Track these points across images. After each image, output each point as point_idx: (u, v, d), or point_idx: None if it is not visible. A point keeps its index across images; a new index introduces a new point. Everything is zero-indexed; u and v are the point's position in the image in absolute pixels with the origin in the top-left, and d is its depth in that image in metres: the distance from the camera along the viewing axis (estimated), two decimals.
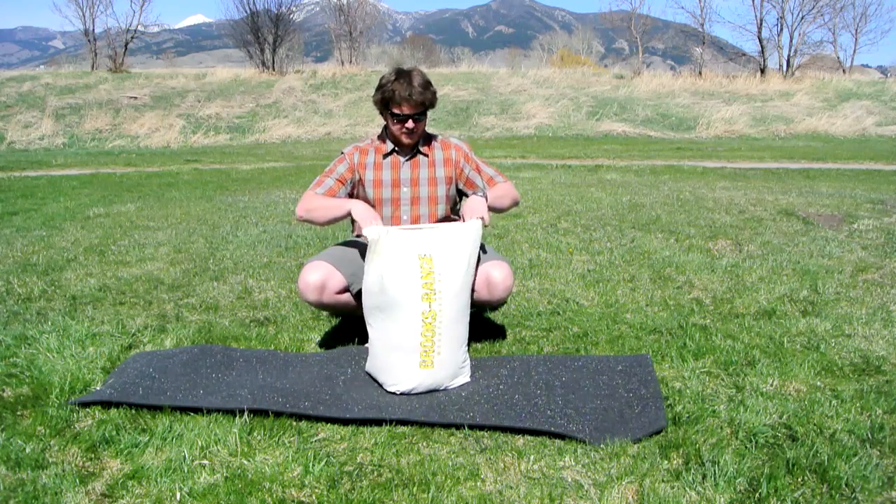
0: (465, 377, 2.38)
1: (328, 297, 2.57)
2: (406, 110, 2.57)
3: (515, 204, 2.81)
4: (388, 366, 2.30)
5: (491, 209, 2.61)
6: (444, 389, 2.32)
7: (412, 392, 2.28)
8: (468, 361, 2.41)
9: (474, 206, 2.52)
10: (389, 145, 2.72)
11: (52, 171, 10.91)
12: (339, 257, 2.65)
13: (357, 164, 2.70)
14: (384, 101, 2.61)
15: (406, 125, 2.59)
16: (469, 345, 2.77)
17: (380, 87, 2.62)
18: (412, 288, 2.23)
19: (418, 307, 2.24)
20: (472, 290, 2.64)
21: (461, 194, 2.82)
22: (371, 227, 2.31)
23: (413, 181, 2.70)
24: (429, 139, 2.77)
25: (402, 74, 2.59)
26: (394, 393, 2.29)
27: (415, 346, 2.26)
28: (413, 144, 2.70)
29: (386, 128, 2.73)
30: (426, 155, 2.73)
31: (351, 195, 2.71)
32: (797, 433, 1.99)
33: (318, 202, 2.63)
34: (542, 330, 2.99)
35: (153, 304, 3.44)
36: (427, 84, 2.60)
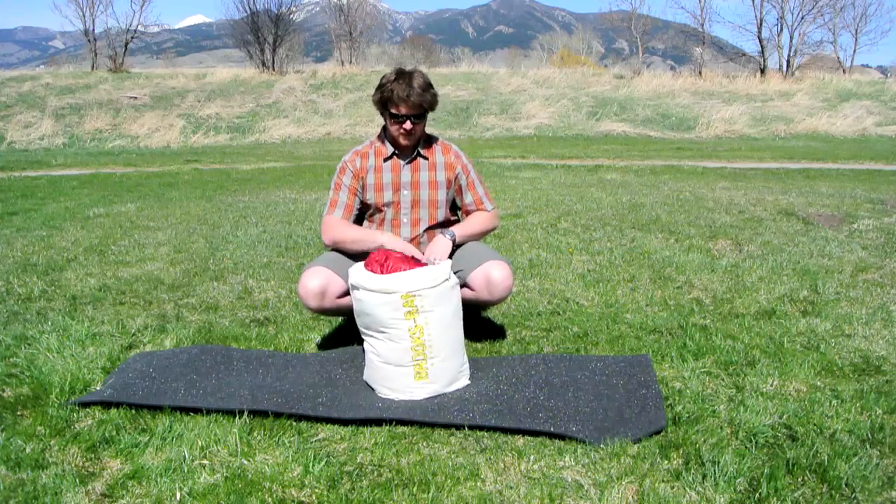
0: (463, 381, 2.37)
1: (329, 302, 2.56)
2: (404, 111, 2.56)
3: (491, 231, 2.89)
4: (384, 378, 2.29)
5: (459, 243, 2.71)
6: (444, 394, 2.31)
7: (401, 399, 2.26)
8: (466, 366, 2.40)
9: (436, 248, 2.60)
10: (389, 148, 2.70)
11: (52, 171, 10.90)
12: (338, 261, 2.64)
13: (359, 169, 2.70)
14: (383, 101, 2.60)
15: (404, 126, 2.58)
16: (469, 345, 2.78)
17: (379, 87, 2.61)
18: (394, 309, 2.21)
19: (404, 325, 2.22)
20: (471, 289, 2.64)
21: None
22: (353, 269, 2.36)
23: (413, 184, 2.70)
24: (429, 142, 2.76)
25: (402, 75, 2.58)
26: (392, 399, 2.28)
27: (407, 361, 2.24)
28: (411, 146, 2.70)
29: (385, 128, 2.73)
30: (426, 158, 2.72)
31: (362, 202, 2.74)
32: (797, 433, 1.99)
33: (344, 233, 2.67)
34: (542, 330, 2.99)
35: (153, 304, 3.44)
36: (427, 86, 2.58)
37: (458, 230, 2.71)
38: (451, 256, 2.68)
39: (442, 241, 2.64)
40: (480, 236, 2.81)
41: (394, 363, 2.26)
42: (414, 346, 2.23)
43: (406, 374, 2.25)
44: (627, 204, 6.37)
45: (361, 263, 2.42)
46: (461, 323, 2.40)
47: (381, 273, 2.29)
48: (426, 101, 2.58)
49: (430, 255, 2.57)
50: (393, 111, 2.58)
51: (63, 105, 18.57)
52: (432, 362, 2.25)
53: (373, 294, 2.23)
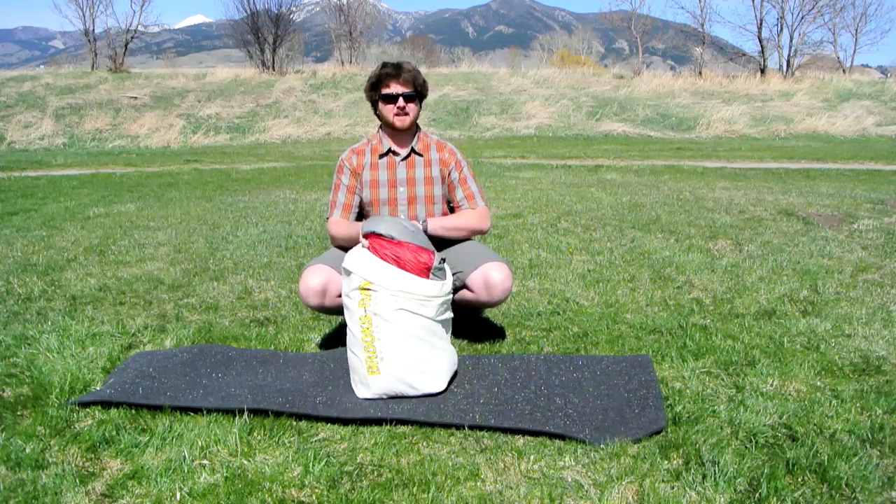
0: (431, 384, 2.25)
1: (330, 300, 2.57)
2: (395, 87, 2.60)
3: (477, 231, 2.79)
4: (352, 370, 2.30)
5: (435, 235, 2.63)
6: (417, 395, 2.25)
7: (375, 398, 2.23)
8: (434, 367, 2.27)
9: None
10: (385, 145, 2.72)
11: (52, 171, 10.91)
12: (339, 259, 2.64)
13: (356, 167, 2.72)
14: (374, 85, 2.65)
15: (397, 104, 2.60)
16: (469, 345, 2.78)
17: (370, 77, 2.68)
18: (351, 288, 2.23)
19: (357, 312, 2.22)
20: (470, 290, 2.64)
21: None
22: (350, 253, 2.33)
23: (409, 181, 2.71)
24: (425, 140, 2.77)
25: (390, 62, 2.68)
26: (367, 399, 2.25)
27: (362, 351, 2.23)
28: (407, 133, 2.71)
29: (381, 127, 2.74)
30: (421, 155, 2.73)
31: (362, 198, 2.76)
32: (797, 433, 1.99)
33: (341, 232, 2.67)
34: (542, 330, 2.99)
35: (153, 304, 3.44)
36: (417, 70, 2.65)
37: (433, 220, 2.66)
38: (457, 252, 2.65)
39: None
40: (461, 232, 2.73)
41: (355, 353, 2.25)
42: (364, 338, 2.21)
43: (364, 367, 2.23)
44: (627, 204, 6.37)
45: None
46: (420, 325, 2.25)
47: (374, 254, 2.27)
48: (417, 80, 2.63)
49: None
50: (384, 91, 2.61)
51: (63, 105, 18.58)
52: (381, 357, 2.20)
53: (345, 268, 2.26)
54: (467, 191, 2.77)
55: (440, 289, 2.28)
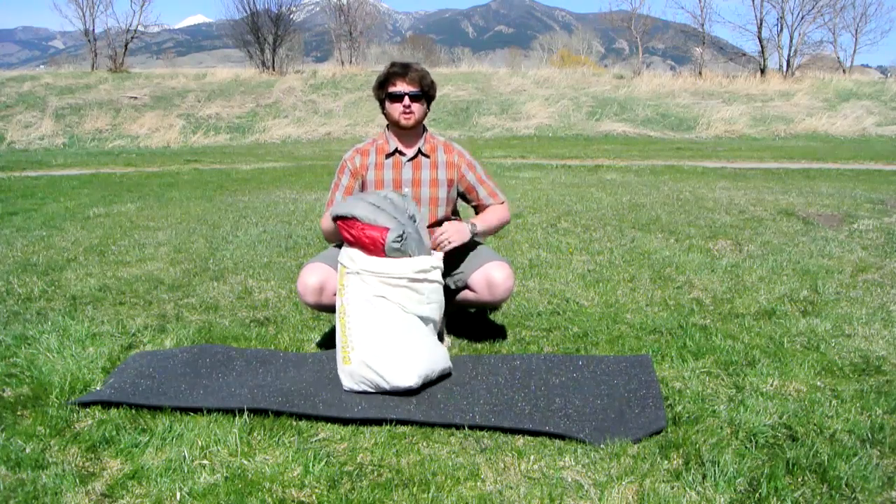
0: (399, 377, 2.22)
1: (327, 298, 2.57)
2: (401, 86, 2.61)
3: (506, 224, 2.88)
4: (337, 357, 2.36)
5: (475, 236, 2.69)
6: (392, 389, 2.23)
7: (352, 390, 2.27)
8: (404, 360, 2.24)
9: (451, 231, 2.55)
10: (392, 144, 2.71)
11: (52, 171, 10.91)
12: (336, 258, 2.65)
13: (359, 167, 2.71)
14: (382, 83, 2.66)
15: (403, 103, 2.61)
16: (469, 345, 2.78)
17: (378, 77, 2.70)
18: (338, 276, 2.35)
19: (337, 302, 2.33)
20: (472, 290, 2.64)
21: (463, 197, 2.83)
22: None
23: (415, 182, 2.70)
24: (432, 141, 2.76)
25: (399, 62, 2.71)
26: (349, 391, 2.29)
27: (339, 341, 2.30)
28: (413, 133, 2.71)
29: (388, 126, 2.74)
30: (428, 156, 2.72)
31: None
32: (797, 433, 1.99)
33: (325, 224, 2.69)
34: (542, 330, 2.99)
35: (153, 304, 3.44)
36: (425, 71, 2.67)
37: (480, 221, 2.72)
38: (458, 253, 2.66)
39: (459, 227, 2.59)
40: (496, 230, 2.84)
41: (337, 342, 2.32)
42: (339, 327, 2.30)
43: (338, 355, 2.29)
44: (627, 204, 6.37)
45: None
46: (391, 316, 2.26)
47: (348, 238, 2.33)
48: (424, 80, 2.64)
49: (440, 237, 2.53)
50: (391, 89, 2.62)
51: (63, 105, 18.57)
52: (352, 347, 2.24)
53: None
54: (488, 188, 2.80)
55: (401, 268, 2.28)
